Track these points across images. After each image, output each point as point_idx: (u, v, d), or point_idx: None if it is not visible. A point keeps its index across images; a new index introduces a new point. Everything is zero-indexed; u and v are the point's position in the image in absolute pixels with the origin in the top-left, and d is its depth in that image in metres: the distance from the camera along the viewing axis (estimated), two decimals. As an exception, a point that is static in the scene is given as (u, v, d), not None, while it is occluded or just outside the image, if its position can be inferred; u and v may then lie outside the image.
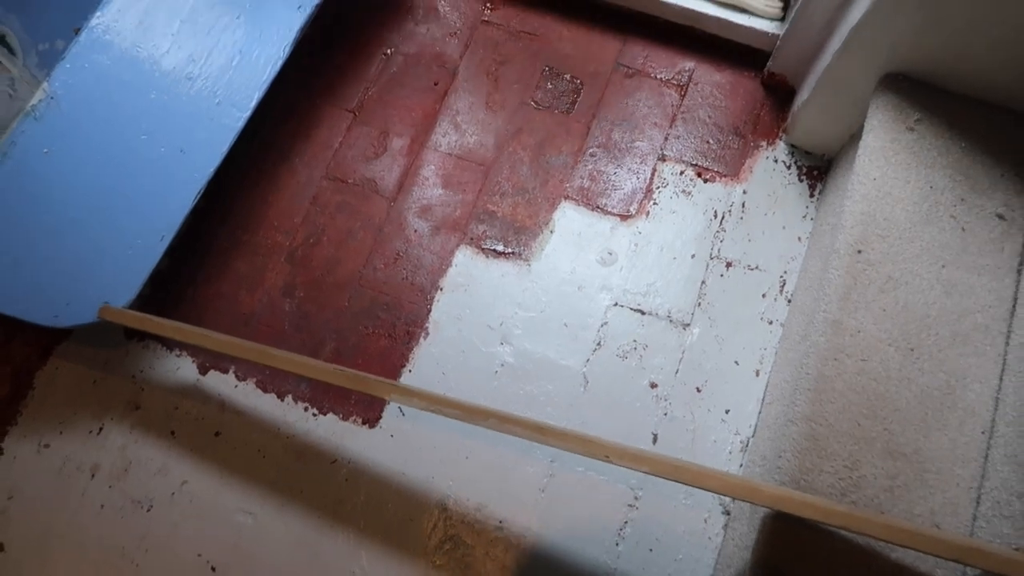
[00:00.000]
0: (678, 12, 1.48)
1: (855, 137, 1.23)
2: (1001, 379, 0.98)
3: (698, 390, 1.31)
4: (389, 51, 1.58)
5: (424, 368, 1.35)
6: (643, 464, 0.89)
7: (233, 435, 1.33)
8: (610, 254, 1.40)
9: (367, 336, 1.38)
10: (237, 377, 1.37)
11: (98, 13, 1.36)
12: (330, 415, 1.33)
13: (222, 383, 1.36)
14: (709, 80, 1.52)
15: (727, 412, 1.29)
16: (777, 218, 1.40)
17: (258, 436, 1.33)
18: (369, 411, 1.33)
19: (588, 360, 1.33)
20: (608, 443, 0.91)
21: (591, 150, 1.48)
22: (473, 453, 1.29)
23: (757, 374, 1.31)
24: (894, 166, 1.08)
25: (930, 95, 1.11)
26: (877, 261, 1.03)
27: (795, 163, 1.44)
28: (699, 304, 1.36)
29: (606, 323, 1.35)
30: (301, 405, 1.34)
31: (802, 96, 1.36)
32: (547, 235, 1.42)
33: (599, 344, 1.34)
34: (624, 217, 1.43)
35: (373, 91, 1.55)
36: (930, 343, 0.99)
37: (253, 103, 1.32)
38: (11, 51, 1.26)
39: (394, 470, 1.29)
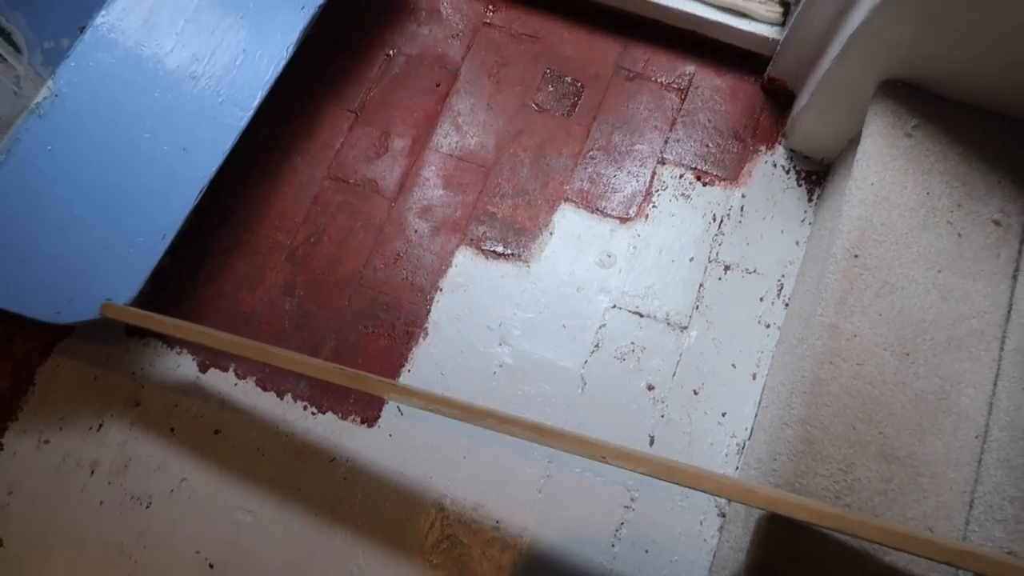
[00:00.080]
0: (679, 16, 1.49)
1: (853, 142, 1.24)
2: (995, 384, 0.99)
3: (695, 392, 1.31)
4: (391, 52, 1.59)
5: (423, 368, 1.36)
6: (640, 465, 0.89)
7: (232, 433, 1.34)
8: (609, 256, 1.41)
9: (367, 335, 1.38)
10: (237, 375, 1.37)
11: (103, 12, 1.37)
12: (329, 414, 1.34)
13: (222, 381, 1.37)
14: (709, 84, 1.52)
15: (724, 415, 1.30)
16: (775, 222, 1.41)
17: (257, 434, 1.33)
18: (368, 410, 1.34)
19: (586, 361, 1.34)
20: (605, 444, 0.91)
21: (591, 153, 1.49)
22: (471, 453, 1.30)
23: (754, 377, 1.31)
24: (892, 171, 1.08)
25: (928, 101, 1.12)
26: (874, 266, 1.04)
27: (794, 167, 1.45)
28: (697, 307, 1.36)
29: (604, 325, 1.36)
30: (300, 404, 1.35)
31: (801, 101, 1.36)
32: (547, 237, 1.43)
33: (597, 346, 1.35)
34: (623, 220, 1.43)
35: (375, 92, 1.56)
36: (925, 348, 1.00)
37: (256, 103, 1.33)
38: (17, 49, 1.27)
39: (392, 469, 1.30)
